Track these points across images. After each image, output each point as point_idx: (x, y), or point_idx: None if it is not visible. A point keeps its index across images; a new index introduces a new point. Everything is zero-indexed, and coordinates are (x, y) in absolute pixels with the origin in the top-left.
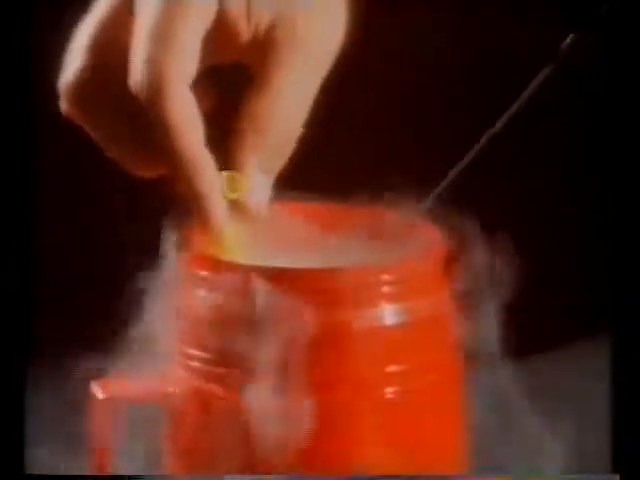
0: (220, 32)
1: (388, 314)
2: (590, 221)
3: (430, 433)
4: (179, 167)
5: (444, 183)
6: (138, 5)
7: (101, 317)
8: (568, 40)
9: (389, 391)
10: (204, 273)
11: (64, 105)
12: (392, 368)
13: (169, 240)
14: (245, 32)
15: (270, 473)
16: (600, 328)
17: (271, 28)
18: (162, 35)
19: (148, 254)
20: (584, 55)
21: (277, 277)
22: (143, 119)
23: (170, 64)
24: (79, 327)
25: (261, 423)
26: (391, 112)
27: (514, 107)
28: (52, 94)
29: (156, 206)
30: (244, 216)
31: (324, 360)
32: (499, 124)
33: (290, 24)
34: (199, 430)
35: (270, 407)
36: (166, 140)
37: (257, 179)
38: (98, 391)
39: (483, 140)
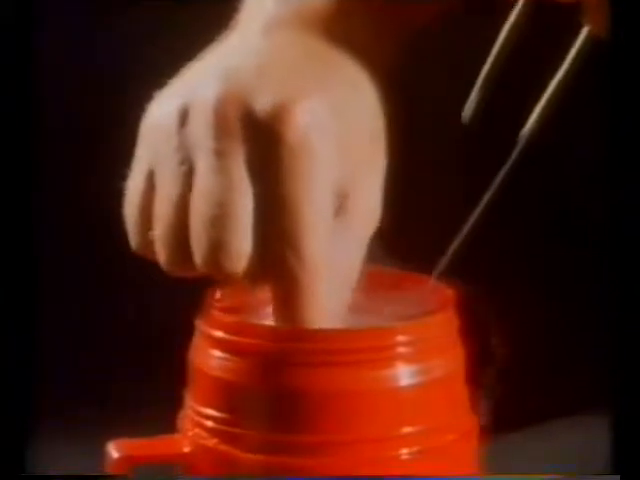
0: None
1: (404, 375)
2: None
3: None
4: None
5: (446, 257)
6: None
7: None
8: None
9: (405, 452)
10: (219, 334)
11: None
12: (408, 429)
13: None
14: None
15: None
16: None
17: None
18: None
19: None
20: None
21: (291, 338)
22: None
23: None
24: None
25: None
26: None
27: (496, 181)
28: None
29: None
30: None
31: (340, 421)
32: (485, 197)
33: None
34: None
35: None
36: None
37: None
38: (113, 451)
39: (476, 213)
